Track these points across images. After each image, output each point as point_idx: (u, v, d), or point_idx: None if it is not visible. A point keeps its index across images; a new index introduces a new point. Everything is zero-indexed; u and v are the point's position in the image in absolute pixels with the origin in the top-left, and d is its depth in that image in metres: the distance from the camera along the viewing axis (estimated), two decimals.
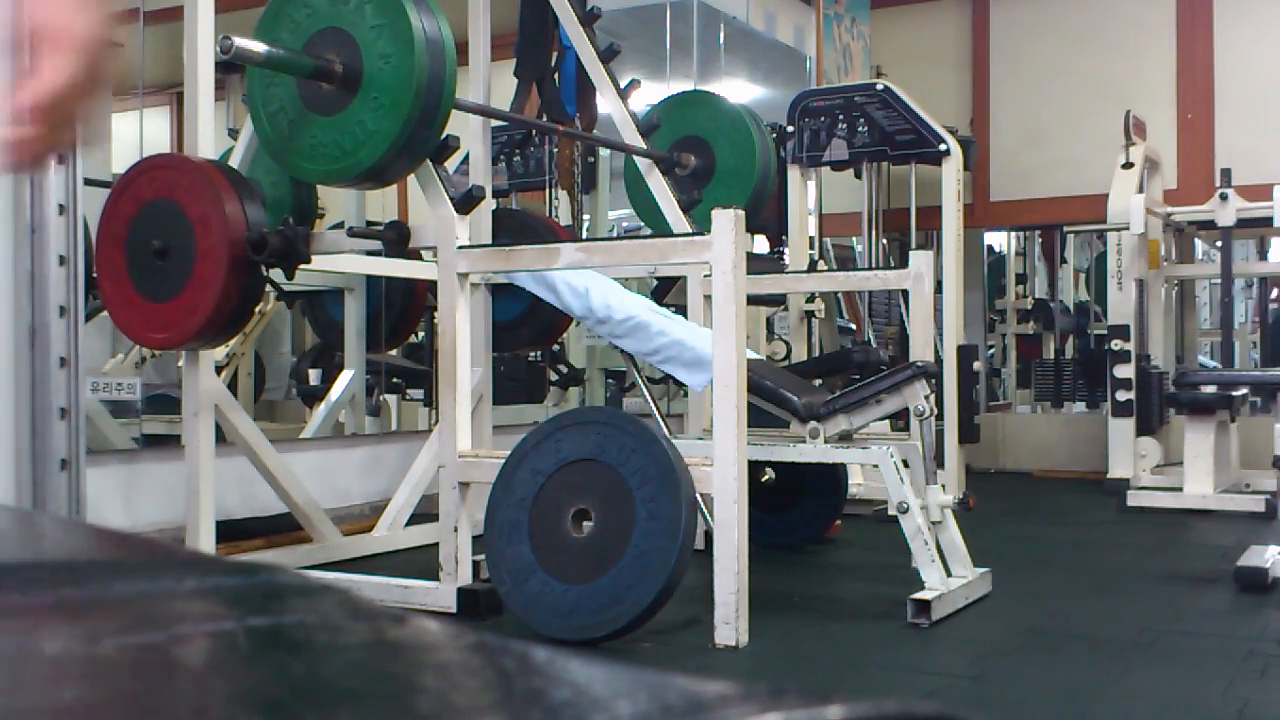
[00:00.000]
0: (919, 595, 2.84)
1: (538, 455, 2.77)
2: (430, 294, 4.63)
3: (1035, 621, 2.94)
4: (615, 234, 5.79)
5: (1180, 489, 4.71)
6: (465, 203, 2.94)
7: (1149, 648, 2.66)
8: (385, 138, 2.77)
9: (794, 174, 5.52)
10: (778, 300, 5.05)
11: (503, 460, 2.82)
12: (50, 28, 0.77)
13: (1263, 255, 7.74)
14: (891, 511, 3.04)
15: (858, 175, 5.94)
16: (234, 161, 3.22)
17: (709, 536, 3.08)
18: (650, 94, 4.98)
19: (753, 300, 4.12)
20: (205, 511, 3.14)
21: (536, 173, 5.60)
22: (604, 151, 5.22)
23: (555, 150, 5.38)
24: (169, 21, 3.63)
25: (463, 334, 2.94)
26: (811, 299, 5.33)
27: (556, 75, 4.07)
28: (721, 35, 6.02)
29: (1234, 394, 4.65)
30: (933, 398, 3.28)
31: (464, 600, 2.88)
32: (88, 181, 2.77)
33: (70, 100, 0.78)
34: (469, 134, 3.74)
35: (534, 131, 5.28)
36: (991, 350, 8.05)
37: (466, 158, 3.98)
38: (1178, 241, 6.05)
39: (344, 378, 4.72)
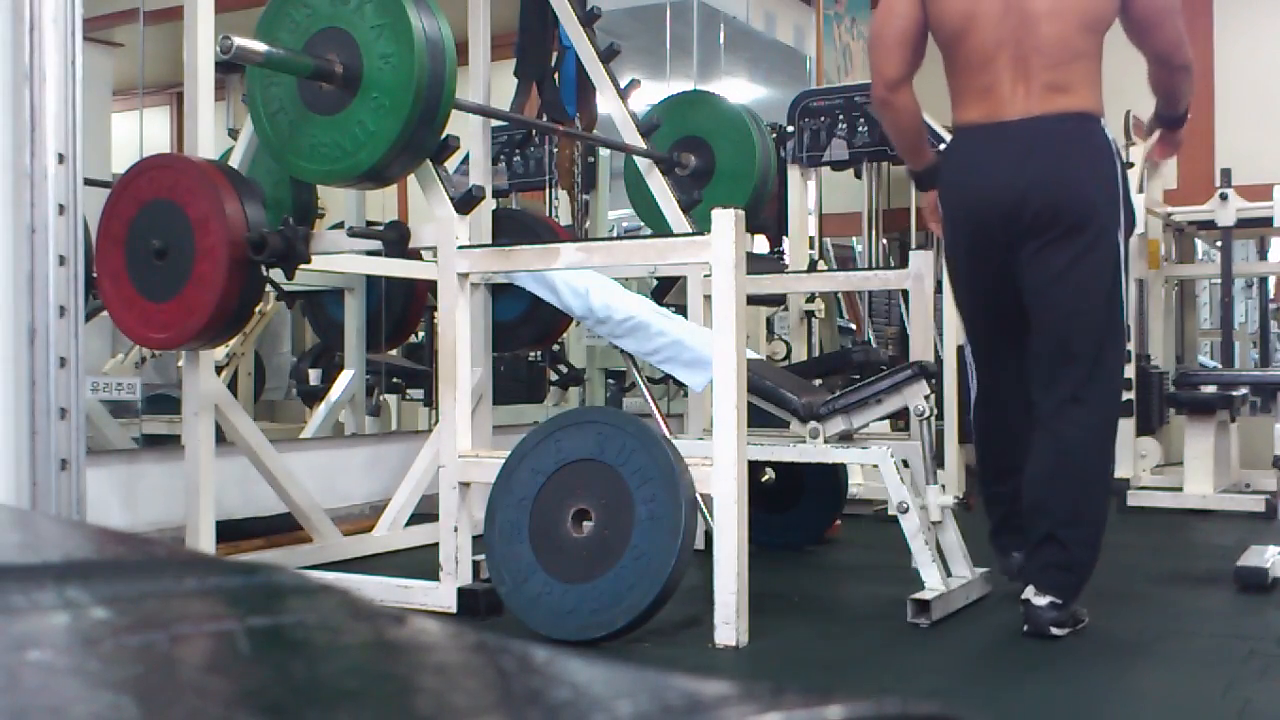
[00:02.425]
0: (919, 595, 2.84)
1: (538, 455, 2.77)
2: (430, 294, 4.63)
3: None
4: (615, 234, 5.78)
5: (1180, 489, 4.71)
6: (465, 203, 2.94)
7: (1149, 648, 2.66)
8: (385, 138, 2.77)
9: (794, 174, 5.51)
10: (778, 300, 5.04)
11: (503, 460, 2.82)
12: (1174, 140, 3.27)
13: (1263, 255, 7.73)
14: (891, 511, 3.03)
15: (858, 175, 5.93)
16: (234, 161, 3.22)
17: (709, 536, 3.08)
18: (650, 94, 4.98)
19: (753, 300, 4.12)
20: (205, 511, 3.14)
21: (536, 173, 5.60)
22: (604, 151, 5.21)
23: (555, 150, 5.37)
24: (169, 21, 3.63)
25: (463, 334, 2.94)
26: (811, 299, 5.33)
27: (556, 75, 4.07)
28: (721, 35, 6.02)
29: (1234, 394, 4.64)
30: (933, 398, 3.28)
31: (464, 600, 2.88)
32: (88, 181, 2.76)
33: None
34: (469, 134, 3.74)
35: (534, 131, 5.28)
36: None
37: (466, 158, 3.98)
38: (1178, 241, 6.05)
39: (344, 378, 4.72)
